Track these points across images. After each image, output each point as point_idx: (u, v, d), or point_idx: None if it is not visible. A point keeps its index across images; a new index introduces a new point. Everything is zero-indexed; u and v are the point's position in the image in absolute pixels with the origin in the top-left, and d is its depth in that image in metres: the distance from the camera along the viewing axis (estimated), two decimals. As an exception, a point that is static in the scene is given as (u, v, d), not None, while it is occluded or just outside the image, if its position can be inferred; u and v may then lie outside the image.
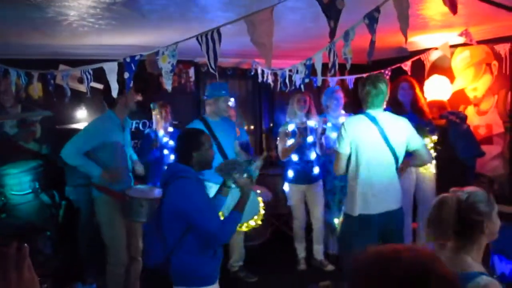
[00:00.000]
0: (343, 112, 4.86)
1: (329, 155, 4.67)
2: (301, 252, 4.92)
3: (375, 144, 3.27)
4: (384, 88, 3.33)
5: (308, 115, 4.74)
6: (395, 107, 4.67)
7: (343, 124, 3.37)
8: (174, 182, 2.65)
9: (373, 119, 3.29)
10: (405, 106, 4.63)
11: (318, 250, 4.89)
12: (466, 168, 4.55)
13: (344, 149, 3.32)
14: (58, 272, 3.94)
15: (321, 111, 5.00)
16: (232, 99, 4.46)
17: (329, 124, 4.63)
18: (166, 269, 2.69)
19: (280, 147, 4.76)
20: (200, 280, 2.67)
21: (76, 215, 4.49)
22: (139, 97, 3.91)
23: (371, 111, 3.33)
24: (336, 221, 4.77)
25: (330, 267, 4.80)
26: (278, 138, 4.81)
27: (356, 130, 3.30)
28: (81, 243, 4.50)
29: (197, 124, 4.17)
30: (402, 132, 3.35)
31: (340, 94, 4.83)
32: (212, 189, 3.55)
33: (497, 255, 3.53)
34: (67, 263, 4.24)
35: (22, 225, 4.08)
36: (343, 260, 3.60)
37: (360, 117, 3.36)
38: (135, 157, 4.24)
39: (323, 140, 4.63)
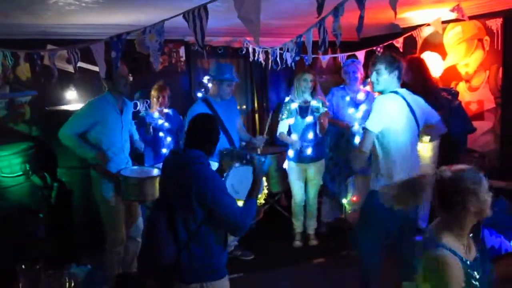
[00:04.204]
0: (361, 87, 4.83)
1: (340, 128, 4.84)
2: (297, 228, 4.98)
3: (408, 122, 3.28)
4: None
5: (312, 94, 4.62)
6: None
7: (378, 102, 3.28)
8: (191, 169, 2.49)
9: (403, 97, 3.28)
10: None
11: (309, 225, 5.00)
12: (457, 144, 4.57)
13: (376, 128, 3.24)
14: (52, 253, 3.95)
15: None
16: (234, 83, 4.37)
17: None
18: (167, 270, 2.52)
19: (280, 125, 4.73)
20: (214, 273, 2.55)
21: (68, 197, 4.47)
22: (130, 78, 3.82)
23: (398, 89, 3.33)
24: (344, 201, 4.85)
25: (314, 242, 4.94)
26: (280, 115, 4.75)
27: (392, 109, 3.24)
28: (74, 225, 4.50)
29: (201, 105, 4.18)
30: (422, 109, 3.40)
31: (353, 68, 4.78)
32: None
33: (487, 228, 3.57)
34: (60, 244, 4.25)
35: (14, 207, 4.07)
36: (355, 235, 3.61)
37: (392, 95, 3.29)
38: (136, 136, 4.24)
39: (326, 118, 4.61)
